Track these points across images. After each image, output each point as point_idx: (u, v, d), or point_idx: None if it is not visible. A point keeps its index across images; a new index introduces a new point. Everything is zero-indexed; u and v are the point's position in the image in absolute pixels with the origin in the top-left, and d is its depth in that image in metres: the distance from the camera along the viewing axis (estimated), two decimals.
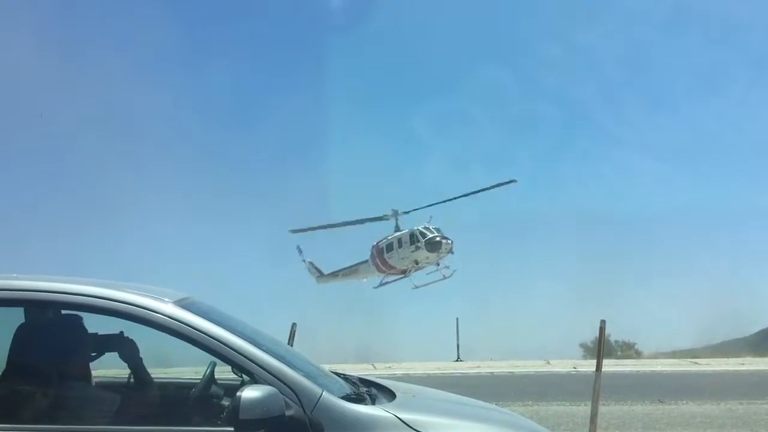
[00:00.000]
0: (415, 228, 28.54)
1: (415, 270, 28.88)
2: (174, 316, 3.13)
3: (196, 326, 3.10)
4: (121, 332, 3.48)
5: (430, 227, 28.14)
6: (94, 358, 3.51)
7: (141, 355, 3.63)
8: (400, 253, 28.82)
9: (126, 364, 3.65)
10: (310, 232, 30.13)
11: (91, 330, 3.43)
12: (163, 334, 3.13)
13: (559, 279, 26.68)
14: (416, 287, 28.90)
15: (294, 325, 7.05)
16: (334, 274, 31.89)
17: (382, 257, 29.45)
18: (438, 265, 28.63)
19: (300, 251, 32.15)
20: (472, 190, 27.66)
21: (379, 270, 29.97)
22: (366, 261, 30.70)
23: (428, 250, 27.96)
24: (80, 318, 3.36)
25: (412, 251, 28.39)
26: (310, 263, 32.16)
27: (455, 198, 27.62)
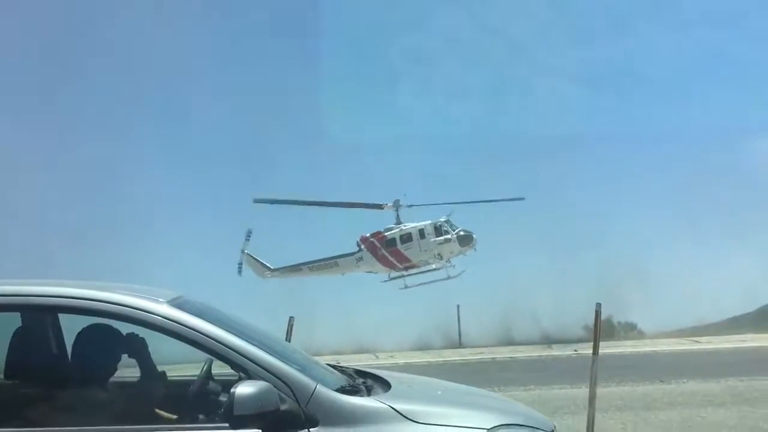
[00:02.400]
0: (438, 221, 27.50)
1: (429, 263, 27.70)
2: (169, 317, 3.16)
3: (190, 325, 3.13)
4: (133, 332, 3.51)
5: (451, 221, 27.29)
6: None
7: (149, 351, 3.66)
8: (422, 245, 27.04)
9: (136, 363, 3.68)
10: (277, 205, 27.26)
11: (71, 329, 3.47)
12: (158, 333, 3.18)
13: (556, 258, 26.44)
14: (407, 287, 27.81)
15: (291, 318, 7.09)
16: (296, 268, 28.97)
17: (393, 249, 27.55)
18: (449, 262, 27.63)
19: (248, 237, 29.21)
20: (480, 200, 26.75)
21: (385, 263, 27.83)
22: (350, 254, 28.46)
23: (460, 244, 27.05)
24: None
25: (440, 243, 26.77)
26: (249, 255, 29.20)
27: (461, 203, 26.79)
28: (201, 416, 3.30)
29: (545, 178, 29.13)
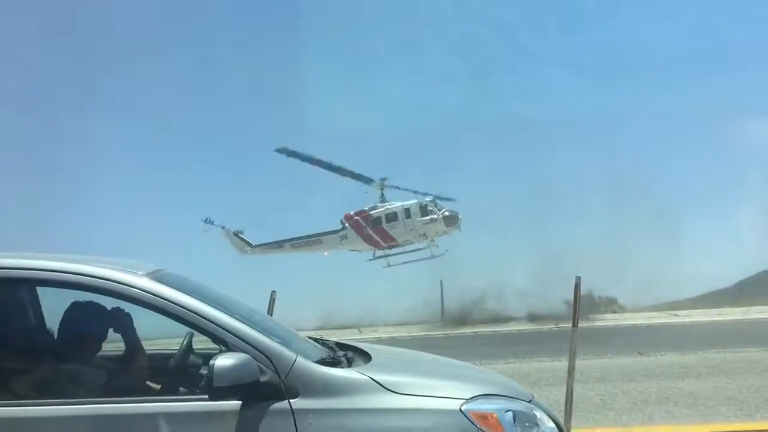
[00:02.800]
0: (423, 200, 27.42)
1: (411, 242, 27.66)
2: (148, 289, 3.15)
3: (169, 298, 3.12)
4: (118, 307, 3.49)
5: (436, 201, 27.23)
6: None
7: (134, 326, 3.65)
8: (408, 225, 27.01)
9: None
10: (298, 159, 26.64)
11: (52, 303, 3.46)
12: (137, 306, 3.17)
13: (538, 236, 26.67)
14: (390, 266, 27.83)
15: (273, 293, 7.10)
16: (278, 245, 28.85)
17: (379, 228, 27.43)
18: (433, 241, 27.64)
19: (210, 222, 28.97)
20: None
21: (370, 242, 27.79)
22: (333, 232, 28.34)
23: (445, 224, 27.02)
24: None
25: (425, 223, 26.67)
26: (230, 232, 29.08)
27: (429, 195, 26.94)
28: (181, 389, 3.31)
29: (530, 159, 29.28)
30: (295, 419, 2.94)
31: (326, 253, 28.75)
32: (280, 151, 26.90)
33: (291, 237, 28.97)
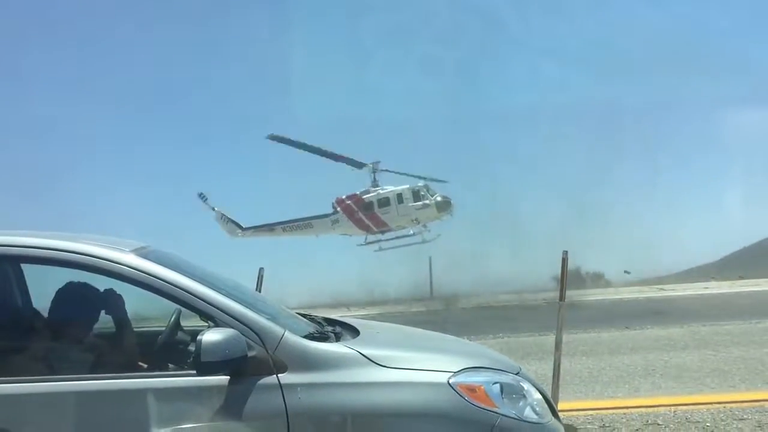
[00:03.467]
0: (416, 186, 27.23)
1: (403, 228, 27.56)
2: (134, 266, 3.14)
3: (155, 274, 3.11)
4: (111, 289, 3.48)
5: (429, 186, 27.10)
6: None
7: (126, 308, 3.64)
8: (400, 210, 26.82)
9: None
10: (289, 146, 26.80)
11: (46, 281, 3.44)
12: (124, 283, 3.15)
13: (527, 213, 26.81)
14: (381, 249, 27.73)
15: (261, 269, 7.10)
16: (269, 228, 28.71)
17: (371, 213, 27.21)
18: (425, 226, 27.58)
19: (204, 199, 28.96)
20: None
21: (361, 226, 27.54)
22: (325, 216, 28.14)
23: (438, 210, 26.92)
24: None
25: (418, 209, 26.46)
26: (221, 214, 28.98)
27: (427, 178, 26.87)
28: (170, 365, 3.30)
29: (519, 142, 29.42)
30: (283, 394, 2.95)
31: (316, 237, 28.57)
32: (271, 138, 26.84)
33: (282, 220, 28.95)
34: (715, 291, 16.89)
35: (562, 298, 6.09)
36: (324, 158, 27.02)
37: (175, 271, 3.18)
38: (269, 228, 28.89)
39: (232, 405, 2.91)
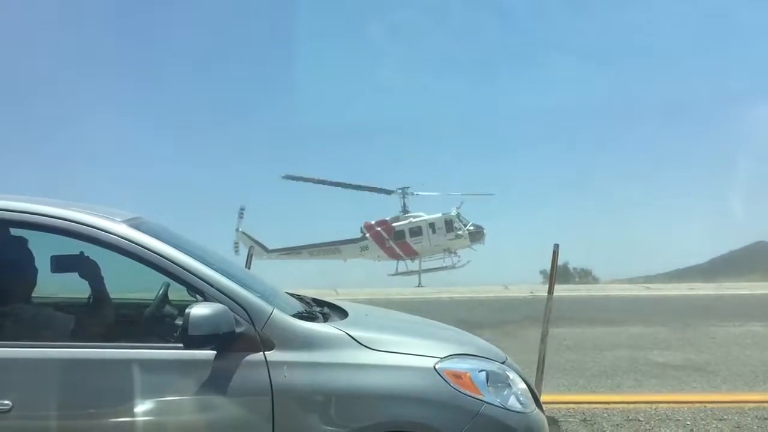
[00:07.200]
0: (450, 213, 26.70)
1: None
2: (125, 236, 3.12)
3: (146, 245, 3.10)
4: (81, 252, 3.47)
5: (461, 214, 26.68)
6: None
7: (102, 275, 3.64)
8: (432, 240, 26.55)
9: (87, 284, 3.66)
10: (302, 182, 27.10)
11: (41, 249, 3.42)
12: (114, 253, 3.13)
13: (520, 212, 27.00)
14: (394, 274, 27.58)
15: (251, 248, 7.11)
16: (295, 251, 28.60)
17: (402, 241, 26.92)
18: (456, 254, 27.17)
19: (241, 215, 29.00)
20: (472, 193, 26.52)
21: (392, 255, 27.26)
22: (353, 241, 27.95)
23: (470, 240, 26.57)
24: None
25: (450, 239, 26.33)
26: (244, 234, 28.86)
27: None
28: (156, 337, 3.29)
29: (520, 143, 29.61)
30: (269, 371, 2.95)
31: (344, 261, 28.37)
32: (285, 177, 26.74)
33: (308, 243, 28.66)
34: (700, 292, 16.92)
35: (550, 291, 6.10)
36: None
37: (166, 243, 3.16)
38: (296, 252, 28.84)
39: (217, 380, 2.91)
